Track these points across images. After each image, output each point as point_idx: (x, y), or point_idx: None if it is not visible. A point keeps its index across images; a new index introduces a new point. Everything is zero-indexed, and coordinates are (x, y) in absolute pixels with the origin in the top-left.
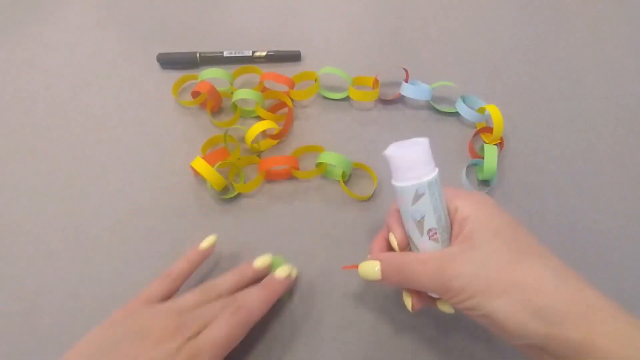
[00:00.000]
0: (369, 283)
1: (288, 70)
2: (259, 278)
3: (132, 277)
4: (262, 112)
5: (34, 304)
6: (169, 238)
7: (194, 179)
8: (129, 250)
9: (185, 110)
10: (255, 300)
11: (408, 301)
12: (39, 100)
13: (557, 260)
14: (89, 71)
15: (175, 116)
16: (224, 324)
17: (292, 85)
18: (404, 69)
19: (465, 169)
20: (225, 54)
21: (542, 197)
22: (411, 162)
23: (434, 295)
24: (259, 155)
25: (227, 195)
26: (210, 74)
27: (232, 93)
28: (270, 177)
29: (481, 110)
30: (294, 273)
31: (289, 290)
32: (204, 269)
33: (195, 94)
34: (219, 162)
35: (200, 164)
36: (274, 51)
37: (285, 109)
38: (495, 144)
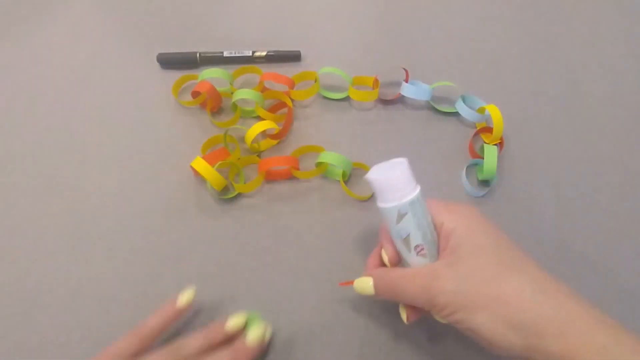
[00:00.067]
0: (365, 297)
1: (288, 70)
2: (231, 337)
3: (132, 277)
4: (262, 112)
5: (34, 304)
6: (169, 238)
7: (194, 179)
8: (129, 250)
9: (185, 110)
10: None
11: (403, 313)
12: (38, 100)
13: (539, 273)
14: (89, 71)
15: (175, 116)
16: None
17: (292, 85)
18: (404, 69)
19: (465, 169)
20: (225, 54)
21: (542, 197)
22: (392, 184)
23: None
24: (259, 155)
25: (227, 195)
26: (210, 74)
27: (232, 93)
28: (270, 177)
29: (481, 110)
30: (268, 333)
31: (262, 353)
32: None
33: (195, 94)
34: (219, 162)
35: (200, 164)
36: (274, 51)
37: (285, 109)
38: (495, 144)
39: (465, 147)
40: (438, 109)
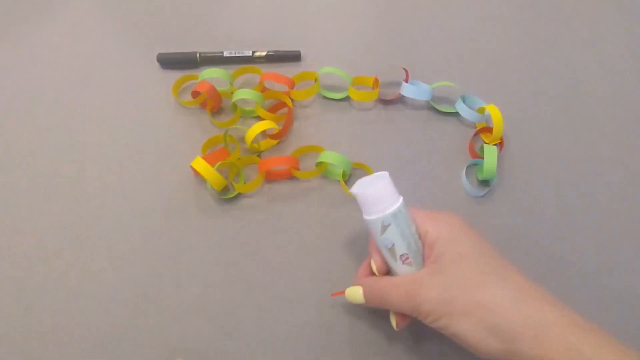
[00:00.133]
0: (356, 306)
1: (288, 70)
2: None
3: (132, 277)
4: (262, 112)
5: (34, 304)
6: (169, 238)
7: (194, 179)
8: (129, 250)
9: (185, 110)
10: None
11: (393, 320)
12: (39, 100)
13: (520, 280)
14: (89, 71)
15: (175, 116)
16: None
17: (292, 85)
18: (404, 69)
19: (465, 169)
20: (225, 54)
21: (542, 197)
22: (374, 197)
23: None
24: (259, 155)
25: (227, 195)
26: (210, 74)
27: (232, 93)
28: (270, 177)
29: (481, 110)
30: None
31: None
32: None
33: (195, 94)
34: (219, 162)
35: (200, 164)
36: (274, 51)
37: (285, 109)
38: (495, 144)
39: (465, 147)
40: (438, 109)
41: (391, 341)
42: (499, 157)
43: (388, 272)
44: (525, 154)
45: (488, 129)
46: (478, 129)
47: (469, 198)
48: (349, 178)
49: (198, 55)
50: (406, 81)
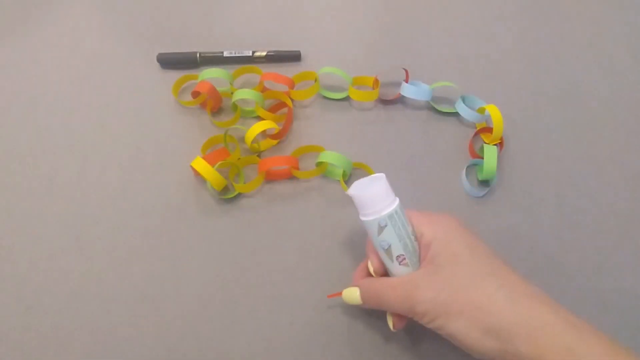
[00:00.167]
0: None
1: (288, 70)
2: None
3: (132, 277)
4: (262, 112)
5: (34, 304)
6: (169, 238)
7: (194, 179)
8: (129, 250)
9: (185, 110)
10: None
11: (390, 321)
12: (39, 101)
13: (514, 279)
14: (89, 71)
15: (175, 116)
16: None
17: (292, 85)
18: (404, 69)
19: (465, 169)
20: (225, 54)
21: (542, 197)
22: (371, 199)
23: None
24: (259, 155)
25: (227, 195)
26: (210, 74)
27: (232, 93)
28: (270, 177)
29: (481, 110)
30: None
31: None
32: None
33: (195, 94)
34: (219, 162)
35: (200, 164)
36: (274, 51)
37: (285, 109)
38: (495, 144)
39: (465, 147)
40: (438, 109)
41: (388, 342)
42: (499, 157)
43: (385, 273)
44: (525, 154)
45: (488, 129)
46: (478, 129)
47: (469, 198)
48: (349, 178)
49: (198, 55)
50: (406, 81)
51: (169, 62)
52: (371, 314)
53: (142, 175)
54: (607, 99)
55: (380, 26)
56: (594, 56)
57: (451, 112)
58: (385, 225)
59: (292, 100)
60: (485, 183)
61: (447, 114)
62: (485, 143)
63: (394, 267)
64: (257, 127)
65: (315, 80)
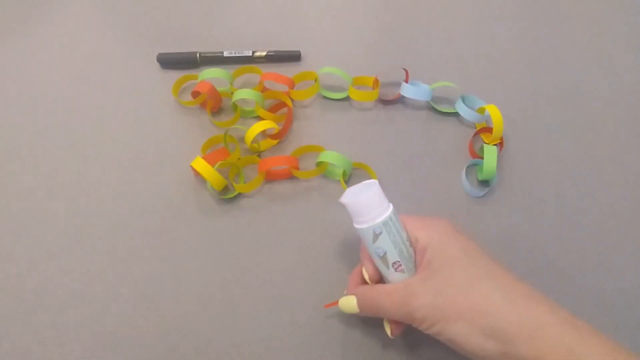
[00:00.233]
0: (351, 315)
1: (288, 70)
2: None
3: (132, 277)
4: (262, 112)
5: (34, 304)
6: (169, 238)
7: (194, 179)
8: (129, 250)
9: (185, 110)
10: None
11: (388, 328)
12: (39, 100)
13: (510, 281)
14: (89, 71)
15: (175, 116)
16: None
17: (292, 85)
18: (404, 69)
19: (465, 169)
20: (225, 54)
21: (542, 197)
22: (364, 206)
23: None
24: (259, 155)
25: (227, 195)
26: (210, 74)
27: (232, 93)
28: (270, 177)
29: (481, 110)
30: None
31: None
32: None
33: (195, 94)
34: (219, 162)
35: (200, 164)
36: (274, 51)
37: (285, 109)
38: (495, 144)
39: (465, 147)
40: (438, 109)
41: (386, 349)
42: (499, 157)
43: (380, 279)
44: (525, 154)
45: (488, 129)
46: (478, 129)
47: (469, 198)
48: (349, 178)
49: (198, 55)
50: (406, 81)
51: (169, 62)
52: (367, 321)
53: (142, 175)
54: (607, 99)
55: (380, 26)
56: (594, 56)
57: (451, 112)
58: (380, 233)
59: (292, 100)
60: (485, 183)
61: (447, 114)
62: (485, 143)
63: (390, 274)
64: (257, 127)
65: (315, 80)
